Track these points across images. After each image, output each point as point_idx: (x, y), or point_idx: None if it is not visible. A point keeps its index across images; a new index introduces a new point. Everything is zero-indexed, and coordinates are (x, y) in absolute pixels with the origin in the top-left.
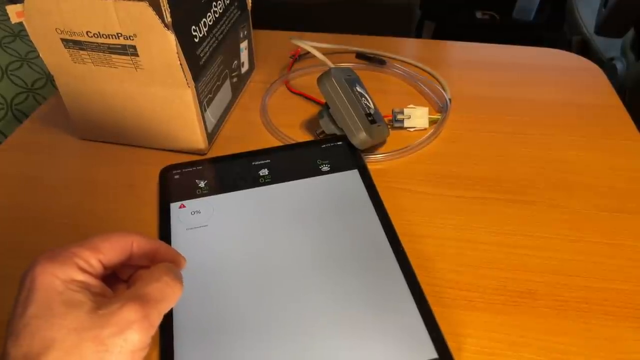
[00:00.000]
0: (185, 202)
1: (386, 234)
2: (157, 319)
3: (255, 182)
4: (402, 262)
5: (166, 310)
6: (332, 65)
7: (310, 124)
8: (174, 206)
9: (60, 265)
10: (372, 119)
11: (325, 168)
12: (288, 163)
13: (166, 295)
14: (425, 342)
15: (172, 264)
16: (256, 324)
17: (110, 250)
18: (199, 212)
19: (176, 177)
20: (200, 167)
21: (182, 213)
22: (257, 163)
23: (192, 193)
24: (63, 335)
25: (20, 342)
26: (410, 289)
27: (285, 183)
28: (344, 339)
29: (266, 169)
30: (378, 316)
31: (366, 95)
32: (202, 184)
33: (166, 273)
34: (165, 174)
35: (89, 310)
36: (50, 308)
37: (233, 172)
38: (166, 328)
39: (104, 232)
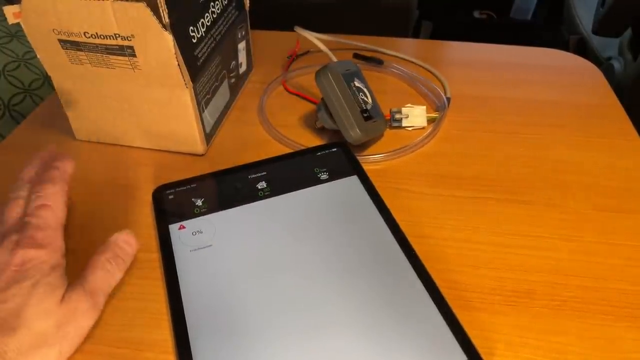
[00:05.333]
0: (184, 223)
1: (396, 239)
2: (103, 301)
3: (255, 196)
4: (415, 265)
5: (111, 289)
6: (334, 58)
7: (308, 124)
8: (173, 228)
9: (48, 252)
10: (367, 115)
11: (323, 176)
12: (285, 174)
13: (110, 282)
14: (452, 345)
15: (115, 246)
16: (276, 340)
17: (63, 212)
18: (200, 232)
19: (170, 197)
20: (195, 185)
21: (182, 234)
22: (253, 176)
23: (190, 213)
24: (37, 316)
25: None
26: (429, 292)
27: (286, 195)
28: (370, 349)
29: (264, 182)
30: (401, 323)
31: (365, 90)
32: (199, 202)
33: (108, 262)
34: (159, 195)
35: (61, 297)
36: (34, 288)
37: (230, 188)
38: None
39: (48, 199)
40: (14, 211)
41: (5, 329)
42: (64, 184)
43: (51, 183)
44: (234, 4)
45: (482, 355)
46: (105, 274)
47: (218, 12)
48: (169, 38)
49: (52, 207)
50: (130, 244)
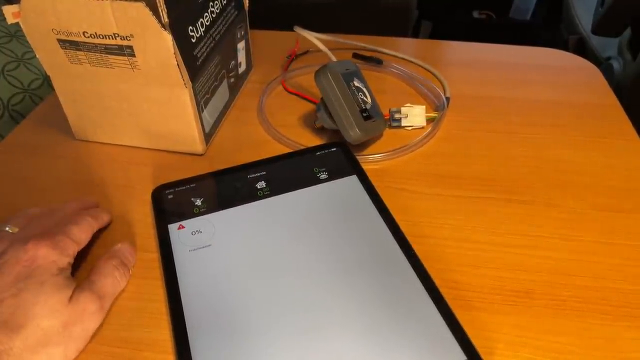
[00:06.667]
0: (183, 223)
1: (395, 239)
2: (109, 306)
3: (254, 195)
4: (415, 265)
5: (116, 295)
6: (333, 58)
7: (307, 124)
8: (172, 228)
9: (59, 254)
10: (367, 114)
11: (323, 176)
12: (285, 174)
13: (116, 288)
14: (452, 345)
15: (122, 254)
16: (276, 340)
17: (86, 241)
18: (199, 231)
19: (170, 197)
20: (194, 185)
21: (182, 234)
22: (253, 176)
23: (189, 212)
24: (44, 314)
25: (3, 309)
26: (428, 292)
27: (285, 194)
28: (369, 348)
29: (263, 182)
30: (400, 322)
31: (364, 89)
32: (198, 202)
33: (116, 268)
34: (158, 195)
35: (68, 298)
36: (42, 286)
37: (229, 188)
38: (184, 354)
39: (80, 221)
40: None
41: (12, 325)
42: (97, 226)
43: (91, 217)
44: (233, 4)
45: (482, 355)
46: (113, 279)
47: (217, 12)
48: (168, 38)
49: (80, 228)
50: (132, 254)
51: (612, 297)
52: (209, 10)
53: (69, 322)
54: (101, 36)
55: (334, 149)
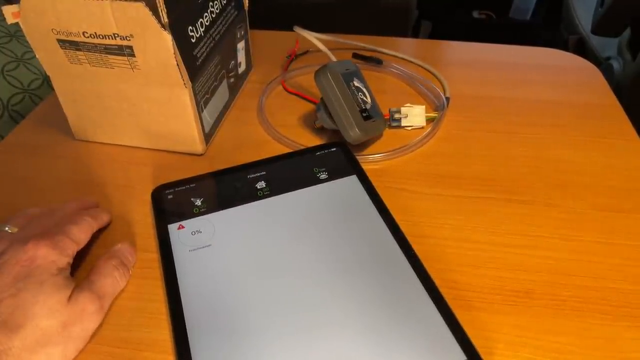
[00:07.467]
0: (183, 223)
1: (395, 239)
2: (108, 306)
3: (254, 195)
4: (415, 265)
5: (115, 295)
6: (333, 58)
7: (307, 124)
8: (172, 228)
9: (59, 254)
10: (367, 114)
11: (323, 176)
12: (285, 174)
13: (116, 288)
14: (452, 345)
15: (122, 255)
16: (275, 340)
17: (85, 241)
18: (199, 231)
19: (170, 197)
20: (194, 185)
21: (182, 234)
22: (252, 176)
23: (189, 212)
24: (43, 314)
25: (2, 309)
26: (428, 292)
27: (285, 194)
28: (369, 348)
29: (263, 182)
30: (400, 322)
31: (364, 90)
32: (198, 202)
33: (116, 268)
34: (158, 195)
35: (67, 297)
36: (41, 285)
37: (229, 188)
38: (184, 354)
39: (79, 221)
40: None
41: (11, 325)
42: (97, 226)
43: (90, 217)
44: (232, 4)
45: (482, 355)
46: (113, 279)
47: (217, 12)
48: (168, 38)
49: (80, 228)
50: (132, 254)
51: (612, 297)
52: (208, 11)
53: (68, 322)
54: (101, 36)
55: (334, 149)
